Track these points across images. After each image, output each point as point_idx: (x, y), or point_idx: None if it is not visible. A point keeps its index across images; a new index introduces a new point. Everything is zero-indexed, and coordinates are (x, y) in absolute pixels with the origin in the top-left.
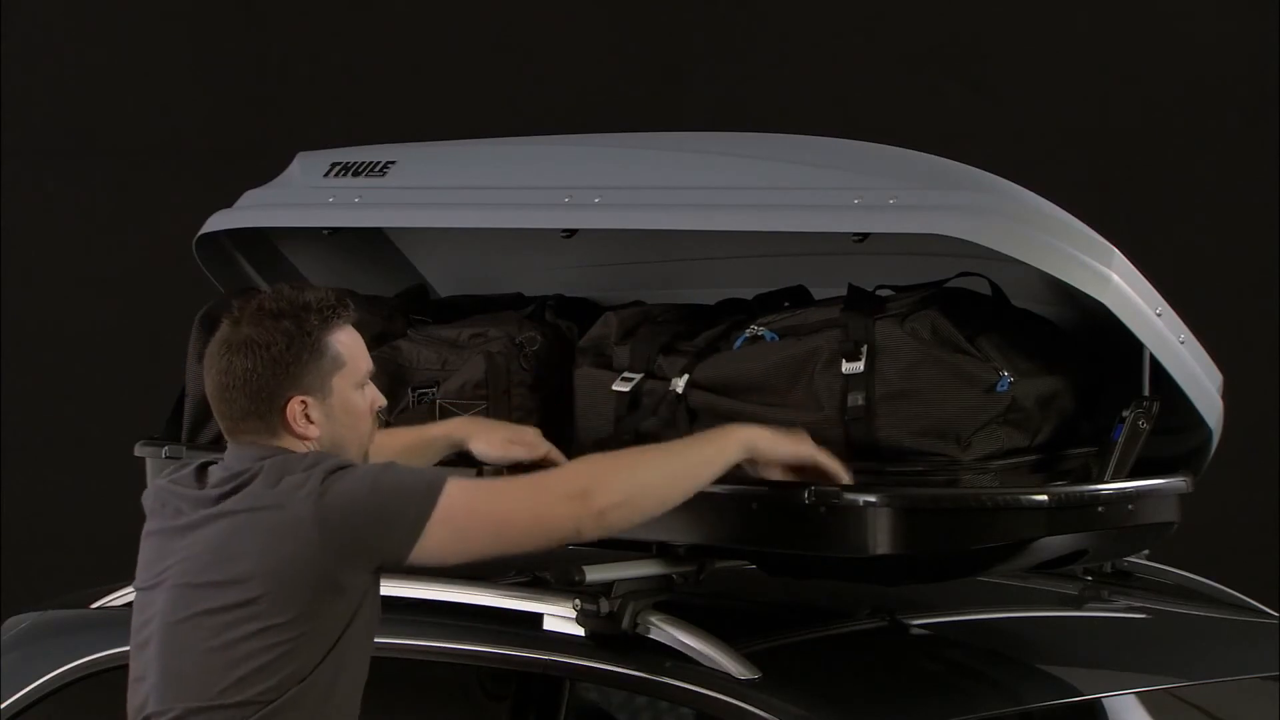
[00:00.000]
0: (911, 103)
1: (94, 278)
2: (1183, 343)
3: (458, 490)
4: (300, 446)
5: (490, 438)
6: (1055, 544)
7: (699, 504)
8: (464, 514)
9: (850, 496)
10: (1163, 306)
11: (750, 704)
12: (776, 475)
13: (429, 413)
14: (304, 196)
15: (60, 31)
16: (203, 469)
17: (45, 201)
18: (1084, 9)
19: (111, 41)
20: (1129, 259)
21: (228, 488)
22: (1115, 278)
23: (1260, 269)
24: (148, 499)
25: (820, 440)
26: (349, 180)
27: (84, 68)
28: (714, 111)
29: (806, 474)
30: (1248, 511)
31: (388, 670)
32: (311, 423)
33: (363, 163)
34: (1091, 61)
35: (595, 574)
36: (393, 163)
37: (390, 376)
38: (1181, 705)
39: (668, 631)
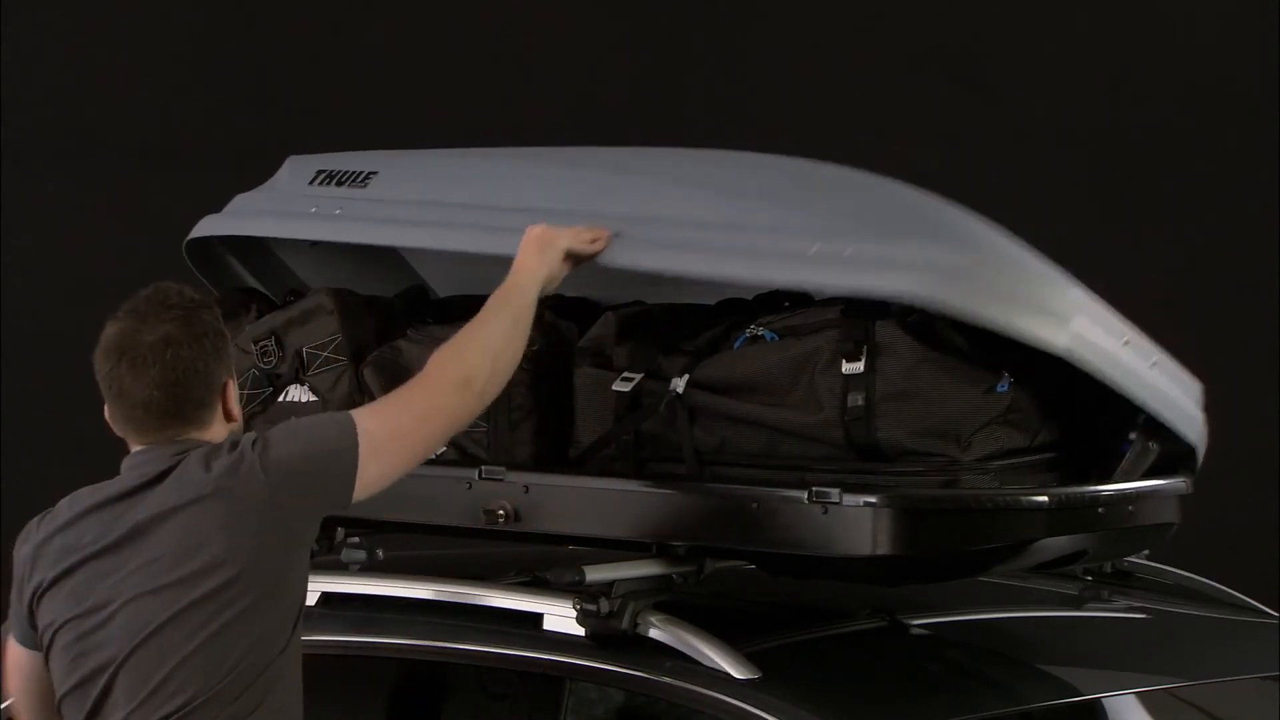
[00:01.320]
0: (911, 103)
1: (94, 277)
2: (1154, 365)
3: (369, 422)
4: (218, 432)
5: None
6: (1055, 545)
7: (699, 504)
8: (386, 441)
9: (851, 497)
10: (1129, 334)
11: (750, 704)
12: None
13: None
14: (289, 205)
15: (60, 31)
16: (67, 511)
17: (45, 201)
18: (1084, 9)
19: (111, 41)
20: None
21: (146, 495)
22: (1075, 324)
23: (1260, 269)
24: (29, 559)
25: (821, 440)
26: (332, 190)
27: (84, 68)
28: (714, 112)
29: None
30: (1248, 511)
31: (388, 670)
32: (239, 403)
33: (346, 172)
34: (1091, 61)
35: (595, 574)
36: (374, 173)
37: (390, 376)
38: (1181, 705)
39: (668, 631)
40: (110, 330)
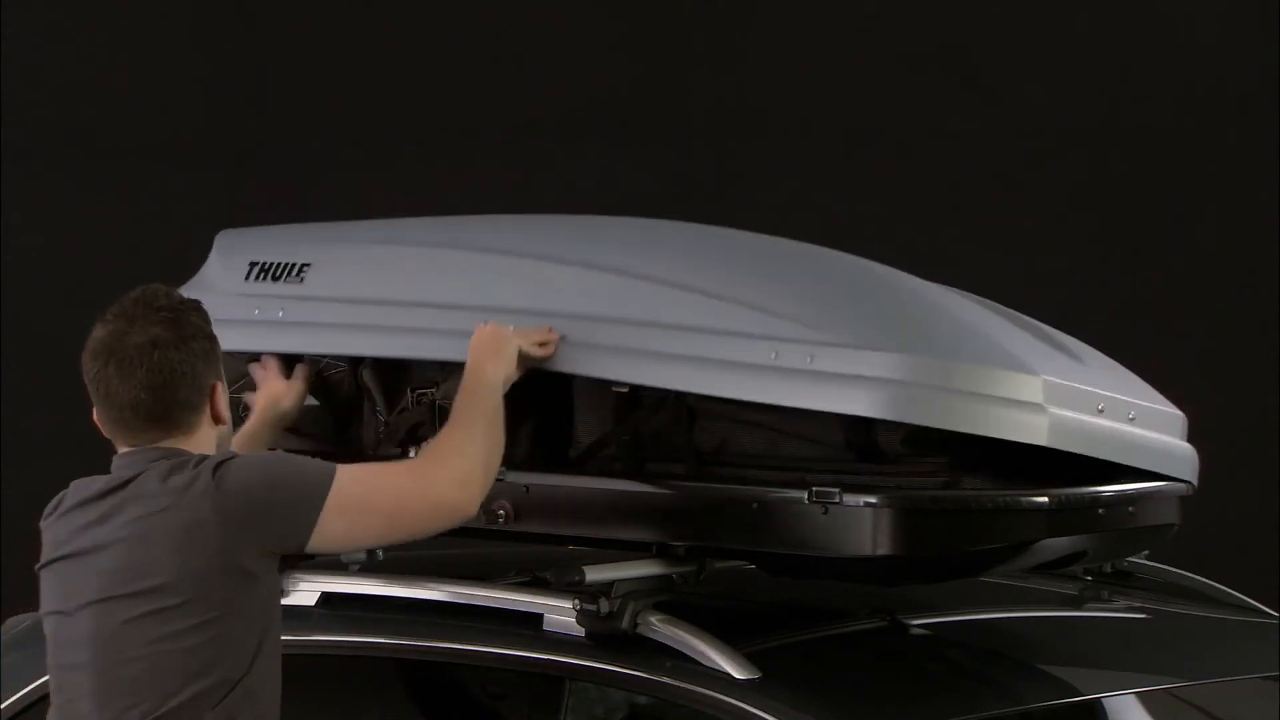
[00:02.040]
0: (911, 103)
1: (94, 277)
2: (1133, 420)
3: (349, 481)
4: (207, 440)
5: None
6: (1055, 545)
7: (699, 504)
8: (356, 505)
9: (851, 497)
10: (1104, 400)
11: (750, 704)
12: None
13: (428, 413)
14: (232, 310)
15: (60, 31)
16: (73, 494)
17: (45, 201)
18: (1084, 9)
19: (112, 42)
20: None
21: (115, 501)
22: (1051, 412)
23: (1260, 269)
24: (43, 534)
25: (821, 441)
26: (269, 287)
27: (84, 68)
28: (714, 111)
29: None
30: (1248, 511)
31: (387, 671)
32: (228, 406)
33: (281, 265)
34: (1091, 61)
35: (595, 574)
36: (308, 265)
37: (389, 377)
38: (1181, 705)
39: (667, 631)
40: (98, 332)
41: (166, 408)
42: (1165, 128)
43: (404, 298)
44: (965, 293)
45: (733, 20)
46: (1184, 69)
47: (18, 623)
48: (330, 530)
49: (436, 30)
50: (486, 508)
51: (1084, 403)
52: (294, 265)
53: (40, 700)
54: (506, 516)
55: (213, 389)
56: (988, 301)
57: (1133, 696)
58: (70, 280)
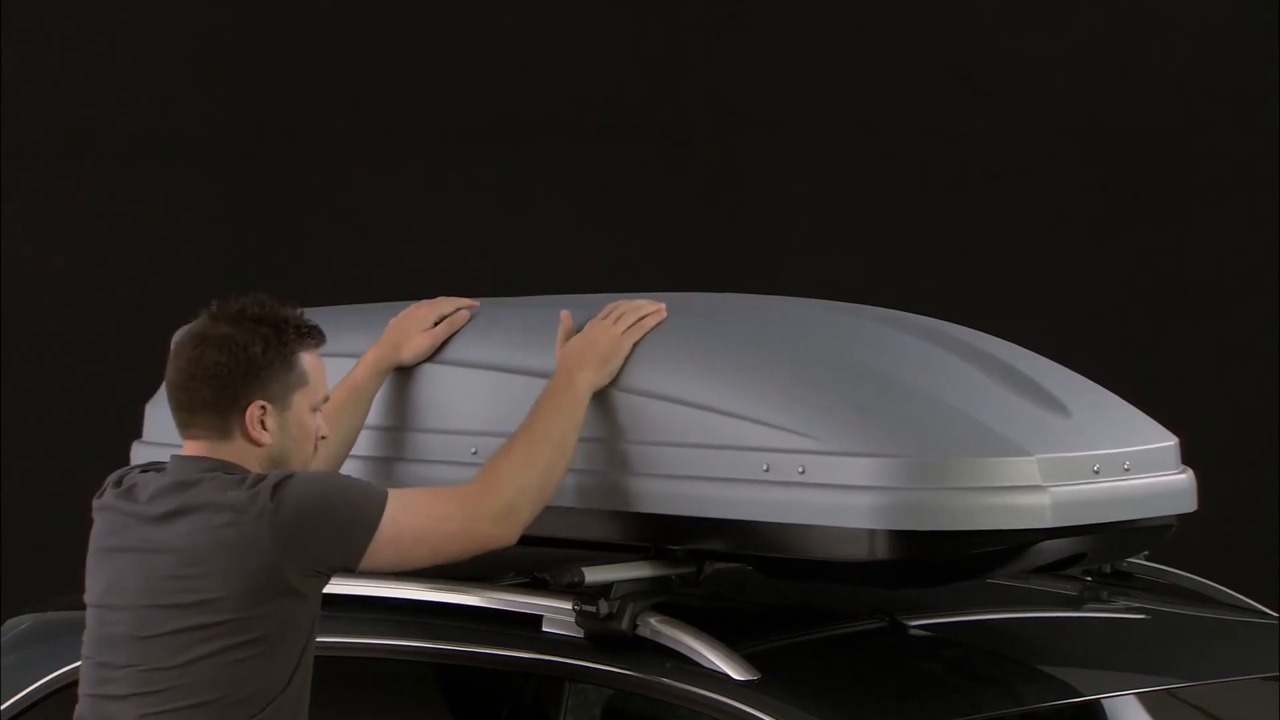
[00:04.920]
0: (911, 103)
1: (93, 277)
2: (1128, 470)
3: (400, 510)
4: (247, 454)
5: (414, 343)
6: (1054, 548)
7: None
8: (408, 536)
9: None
10: (1099, 461)
11: (750, 705)
12: None
13: None
14: None
15: (60, 32)
16: (133, 480)
17: (45, 201)
18: (1084, 9)
19: (112, 41)
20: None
21: (172, 505)
22: (1051, 491)
23: (1260, 269)
24: (100, 512)
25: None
26: None
27: (84, 68)
28: (714, 111)
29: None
30: (1248, 511)
31: (387, 671)
32: (266, 430)
33: None
34: (1091, 61)
35: (594, 575)
36: None
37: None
38: (1181, 705)
39: (667, 632)
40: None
41: (192, 400)
42: (1165, 128)
43: (380, 424)
44: (927, 328)
45: (733, 20)
46: (1184, 69)
47: (18, 623)
48: (380, 557)
49: (436, 30)
50: None
51: (1080, 468)
52: None
53: (41, 701)
54: None
55: (249, 404)
56: (949, 334)
57: (1133, 696)
58: (70, 280)
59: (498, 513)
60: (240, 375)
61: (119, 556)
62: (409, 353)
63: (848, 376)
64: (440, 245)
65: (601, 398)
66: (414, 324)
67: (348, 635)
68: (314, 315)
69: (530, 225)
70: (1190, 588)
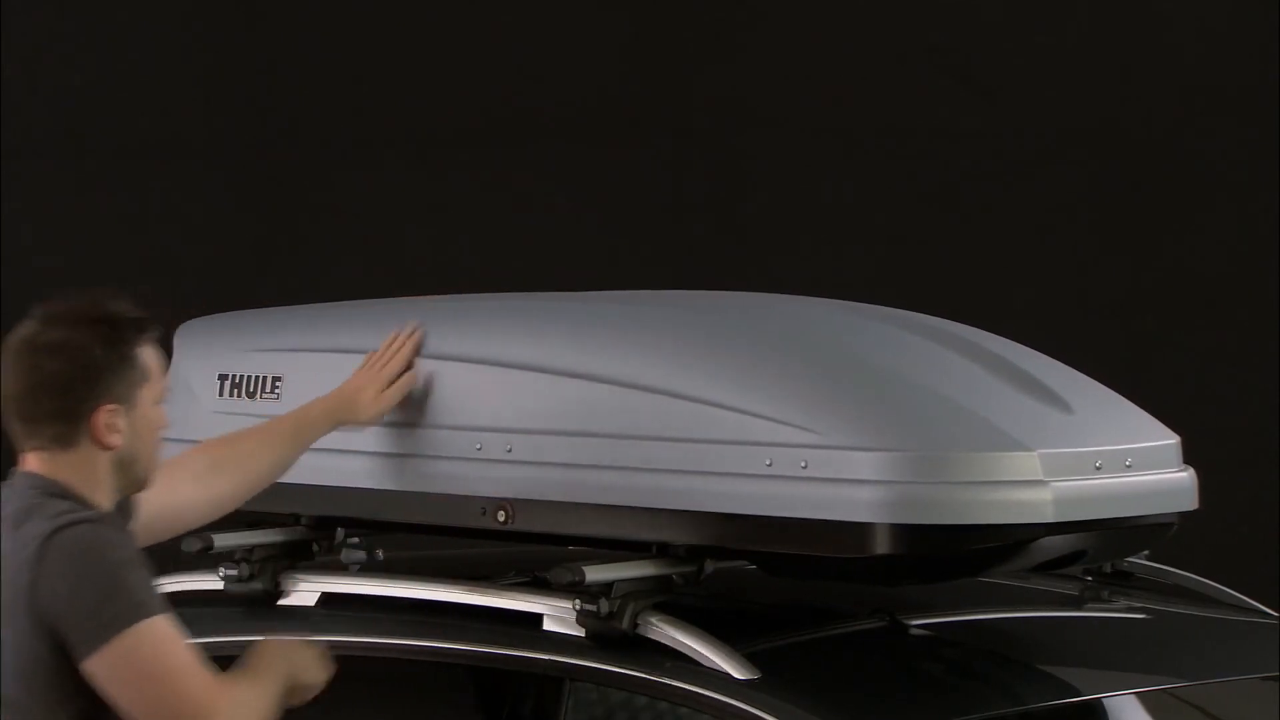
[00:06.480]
0: (911, 102)
1: (93, 277)
2: (1129, 466)
3: (150, 638)
4: (93, 460)
5: (375, 405)
6: (1055, 545)
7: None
8: (137, 668)
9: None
10: (1101, 456)
11: (750, 704)
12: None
13: None
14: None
15: (60, 32)
16: None
17: (45, 201)
18: (1084, 9)
19: (112, 41)
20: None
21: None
22: (1052, 485)
23: (1260, 269)
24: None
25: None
26: (244, 404)
27: (84, 68)
28: (714, 110)
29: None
30: (1248, 511)
31: (387, 671)
32: (116, 432)
33: (253, 378)
34: (1091, 61)
35: (595, 574)
36: (279, 379)
37: None
38: (1181, 705)
39: (667, 632)
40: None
41: (36, 412)
42: (1165, 128)
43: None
44: (930, 327)
45: (732, 20)
46: (1184, 69)
47: None
48: (97, 668)
49: (436, 29)
50: (488, 510)
51: (1082, 464)
52: (266, 379)
53: None
54: (507, 516)
55: (96, 409)
56: (951, 332)
57: (1133, 696)
58: (70, 280)
59: (195, 712)
60: (83, 380)
61: None
62: (366, 415)
63: (850, 372)
64: (440, 245)
65: (602, 394)
66: (371, 383)
67: (348, 634)
68: (314, 314)
69: (530, 225)
70: (1190, 588)
